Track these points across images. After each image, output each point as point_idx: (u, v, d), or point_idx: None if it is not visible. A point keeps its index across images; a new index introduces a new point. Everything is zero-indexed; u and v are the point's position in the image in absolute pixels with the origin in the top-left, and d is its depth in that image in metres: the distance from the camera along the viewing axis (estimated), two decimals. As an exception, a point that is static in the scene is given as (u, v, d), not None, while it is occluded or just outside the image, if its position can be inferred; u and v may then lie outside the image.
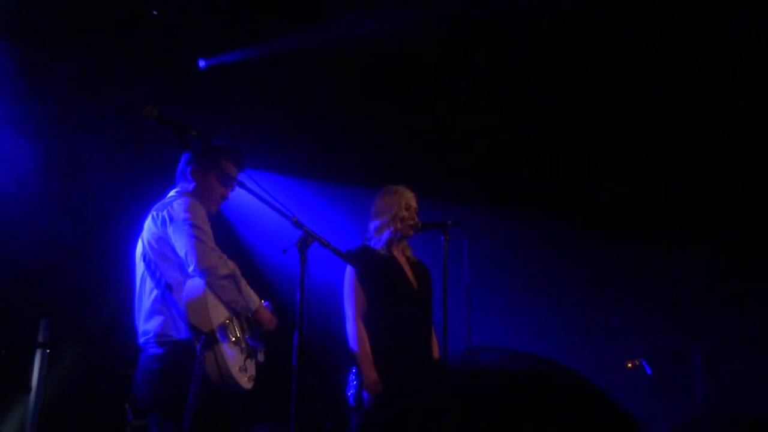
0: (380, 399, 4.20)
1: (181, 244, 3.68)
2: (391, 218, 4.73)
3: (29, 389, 5.81)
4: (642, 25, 6.74)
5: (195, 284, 3.64)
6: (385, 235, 4.73)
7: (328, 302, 4.71)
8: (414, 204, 4.85)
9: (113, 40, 7.12)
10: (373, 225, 4.79)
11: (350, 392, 4.48)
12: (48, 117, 6.97)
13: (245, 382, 3.69)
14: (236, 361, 3.65)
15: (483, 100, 7.53)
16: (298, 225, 3.71)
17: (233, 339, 3.66)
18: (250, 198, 4.04)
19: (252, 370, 3.80)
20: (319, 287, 4.52)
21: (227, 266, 3.71)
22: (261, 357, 3.96)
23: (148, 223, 3.90)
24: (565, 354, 7.06)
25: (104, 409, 6.41)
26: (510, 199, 7.68)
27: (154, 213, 3.87)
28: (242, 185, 3.88)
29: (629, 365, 6.89)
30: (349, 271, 4.62)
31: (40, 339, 6.22)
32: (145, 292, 3.82)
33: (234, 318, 3.74)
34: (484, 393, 0.80)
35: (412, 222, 4.78)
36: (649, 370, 6.59)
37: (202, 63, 7.58)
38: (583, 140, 7.55)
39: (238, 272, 3.79)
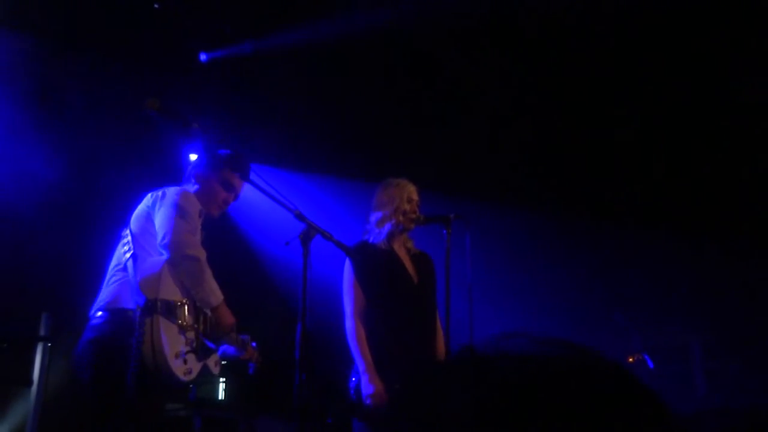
0: (381, 401, 4.20)
1: (160, 219, 3.69)
2: (393, 211, 4.65)
3: (31, 383, 5.81)
4: (645, 22, 6.73)
5: (157, 258, 3.62)
6: (387, 227, 4.65)
7: (331, 295, 4.69)
8: (416, 197, 4.77)
9: (114, 34, 7.11)
10: (374, 217, 4.72)
11: (351, 386, 4.46)
12: (49, 112, 6.97)
13: (180, 371, 3.51)
14: (174, 345, 3.49)
15: (486, 94, 7.52)
16: (300, 218, 3.70)
17: (180, 322, 3.55)
18: (251, 191, 4.04)
19: (194, 366, 3.64)
20: (322, 280, 4.50)
21: (195, 249, 3.67)
22: (215, 369, 3.85)
23: (140, 205, 3.91)
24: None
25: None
26: (512, 193, 7.68)
27: (150, 195, 3.90)
28: (247, 179, 3.88)
29: (630, 360, 6.88)
30: (348, 267, 4.56)
31: (42, 333, 6.22)
32: (110, 265, 3.80)
33: (189, 304, 3.64)
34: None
35: (413, 215, 4.70)
36: (651, 365, 6.59)
37: (203, 56, 7.58)
38: (587, 134, 7.54)
39: (204, 261, 3.71)
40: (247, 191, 4.25)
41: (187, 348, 3.58)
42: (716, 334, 7.53)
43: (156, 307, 3.43)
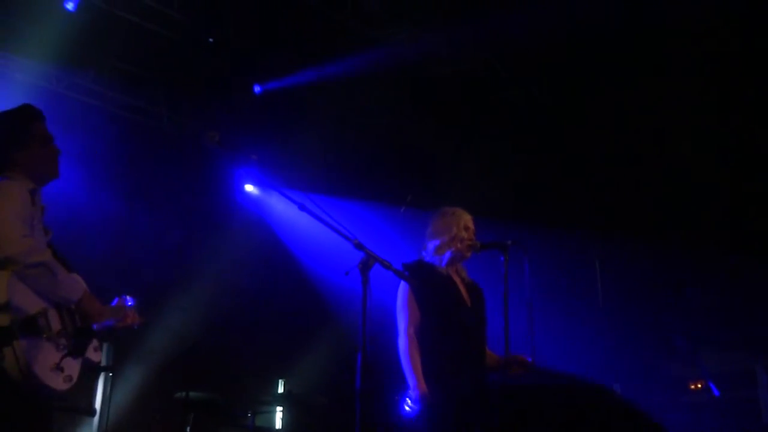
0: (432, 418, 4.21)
1: None
2: (451, 238, 4.73)
3: (94, 412, 5.90)
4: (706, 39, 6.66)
5: None
6: (447, 254, 4.73)
7: (392, 323, 4.70)
8: (472, 226, 4.85)
9: (171, 68, 7.29)
10: (432, 244, 4.78)
11: (403, 408, 4.51)
12: (108, 143, 7.16)
13: (59, 382, 3.28)
14: (46, 361, 3.24)
15: (540, 120, 7.51)
16: (359, 247, 3.69)
17: (46, 335, 3.26)
18: (307, 221, 4.04)
19: (73, 369, 3.37)
20: (382, 309, 4.51)
21: (37, 254, 3.28)
22: (95, 356, 3.57)
23: None
24: (627, 375, 6.93)
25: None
26: (570, 218, 7.62)
27: None
28: (304, 209, 3.81)
29: (694, 386, 6.74)
30: (403, 285, 4.63)
31: (103, 362, 6.33)
32: None
33: (51, 310, 3.34)
34: (515, 410, 0.80)
35: (470, 242, 4.77)
36: (716, 392, 6.42)
37: (257, 89, 7.70)
38: (646, 158, 7.46)
39: (51, 259, 3.34)
40: (300, 221, 4.26)
41: (61, 354, 3.32)
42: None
43: (12, 333, 3.15)
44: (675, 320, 7.49)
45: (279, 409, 7.29)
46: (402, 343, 4.50)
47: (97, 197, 6.67)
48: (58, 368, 3.26)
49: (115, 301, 3.82)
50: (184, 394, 5.80)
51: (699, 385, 6.75)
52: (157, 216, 7.33)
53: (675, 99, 7.10)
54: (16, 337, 3.14)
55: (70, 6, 6.37)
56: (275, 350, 8.10)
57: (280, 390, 7.75)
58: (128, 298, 3.90)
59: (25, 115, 3.67)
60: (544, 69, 7.30)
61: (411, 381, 4.38)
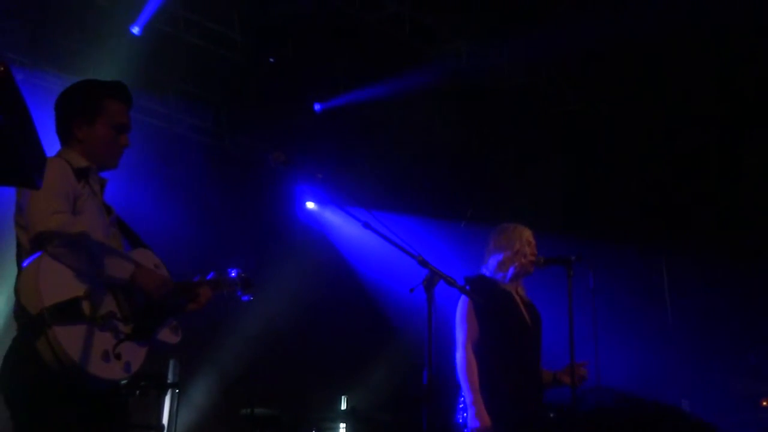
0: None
1: (26, 209, 3.03)
2: (514, 253, 4.75)
3: (162, 428, 5.99)
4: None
5: (33, 257, 2.94)
6: (511, 270, 4.74)
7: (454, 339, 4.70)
8: (533, 241, 4.88)
9: (233, 88, 7.42)
10: (494, 260, 4.80)
11: (459, 419, 4.53)
12: (173, 163, 7.30)
13: (113, 371, 2.93)
14: (92, 348, 2.89)
15: (602, 133, 7.44)
16: (423, 264, 3.69)
17: (90, 319, 2.90)
18: (368, 237, 4.05)
19: (134, 354, 3.02)
20: (445, 325, 4.51)
21: (70, 228, 2.96)
22: (172, 338, 3.21)
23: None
24: (696, 391, 6.79)
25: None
26: (636, 232, 7.52)
27: None
28: (368, 226, 3.82)
29: (765, 403, 6.58)
30: (463, 299, 4.65)
31: (170, 379, 6.43)
32: None
33: (99, 291, 2.98)
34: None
35: (533, 258, 4.77)
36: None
37: (317, 107, 7.79)
38: (712, 169, 7.32)
39: (87, 234, 3.00)
40: (366, 237, 4.27)
41: (116, 340, 2.97)
42: None
43: (44, 321, 2.81)
44: (746, 335, 7.31)
45: (342, 425, 7.31)
46: (460, 356, 4.53)
47: (160, 216, 6.79)
48: (112, 355, 2.94)
49: (197, 277, 3.49)
50: (249, 410, 5.87)
51: (772, 402, 6.57)
52: (219, 234, 7.44)
53: (750, 108, 6.97)
54: (48, 324, 2.81)
55: (135, 30, 6.55)
56: (339, 367, 8.13)
57: (344, 406, 7.78)
58: (232, 269, 3.64)
59: (102, 88, 3.33)
60: (603, 82, 7.23)
61: (468, 396, 4.41)
